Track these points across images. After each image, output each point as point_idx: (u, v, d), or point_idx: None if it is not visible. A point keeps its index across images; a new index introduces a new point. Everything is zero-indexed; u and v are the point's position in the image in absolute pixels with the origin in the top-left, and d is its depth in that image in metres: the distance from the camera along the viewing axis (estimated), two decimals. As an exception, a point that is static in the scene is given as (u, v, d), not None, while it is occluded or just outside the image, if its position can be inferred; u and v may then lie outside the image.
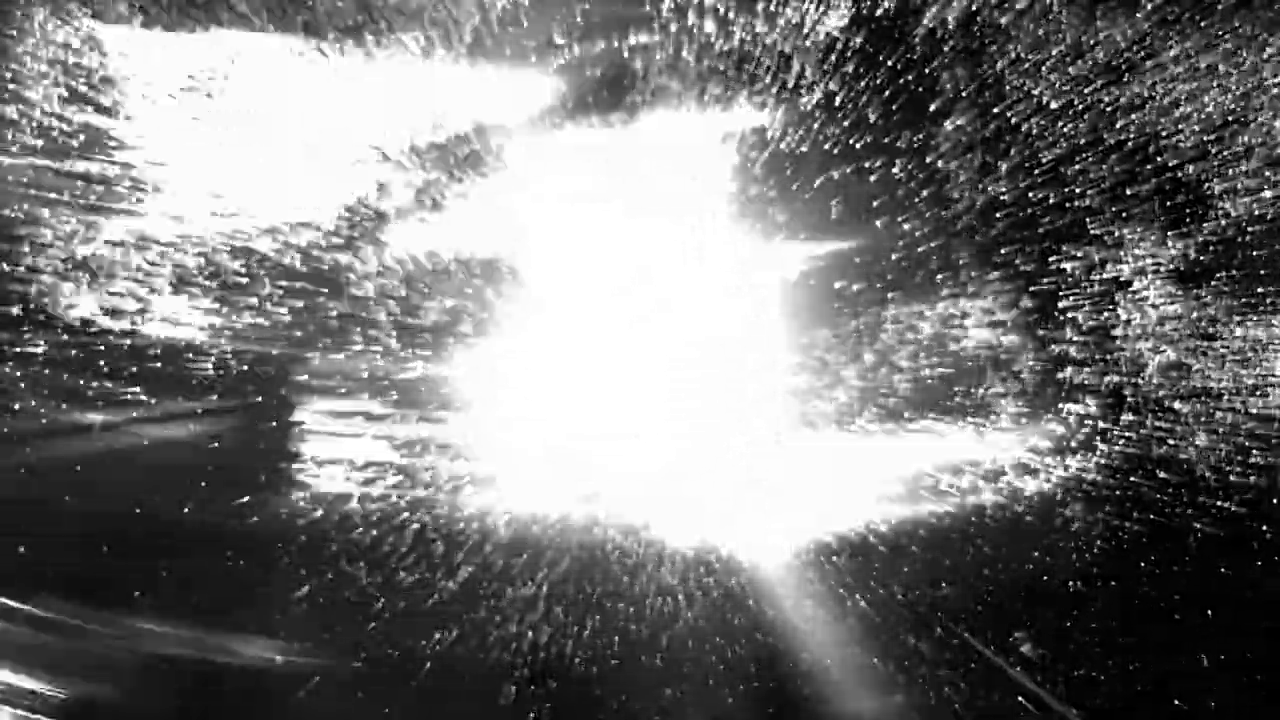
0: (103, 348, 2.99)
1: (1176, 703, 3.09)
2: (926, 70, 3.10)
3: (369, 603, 3.09)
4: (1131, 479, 3.17)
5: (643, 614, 3.17)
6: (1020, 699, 3.14)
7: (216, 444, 3.08)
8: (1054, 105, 3.06)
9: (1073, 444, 3.21)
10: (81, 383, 2.98)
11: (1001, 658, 3.17)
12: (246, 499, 3.07)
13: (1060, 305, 3.20)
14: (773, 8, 3.01)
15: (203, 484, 3.06)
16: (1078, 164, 3.11)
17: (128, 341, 2.99)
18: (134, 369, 3.01)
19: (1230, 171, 3.07)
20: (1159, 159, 3.08)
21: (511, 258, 3.20)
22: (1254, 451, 3.09)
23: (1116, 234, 3.14)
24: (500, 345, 3.21)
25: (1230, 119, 3.05)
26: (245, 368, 3.07)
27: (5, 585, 2.97)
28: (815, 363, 3.26)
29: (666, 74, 3.10)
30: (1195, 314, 3.15)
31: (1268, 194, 3.06)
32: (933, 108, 3.13)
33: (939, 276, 3.23)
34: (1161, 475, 3.15)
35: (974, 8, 3.03)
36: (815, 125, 3.13)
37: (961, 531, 3.24)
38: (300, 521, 3.08)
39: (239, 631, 3.07)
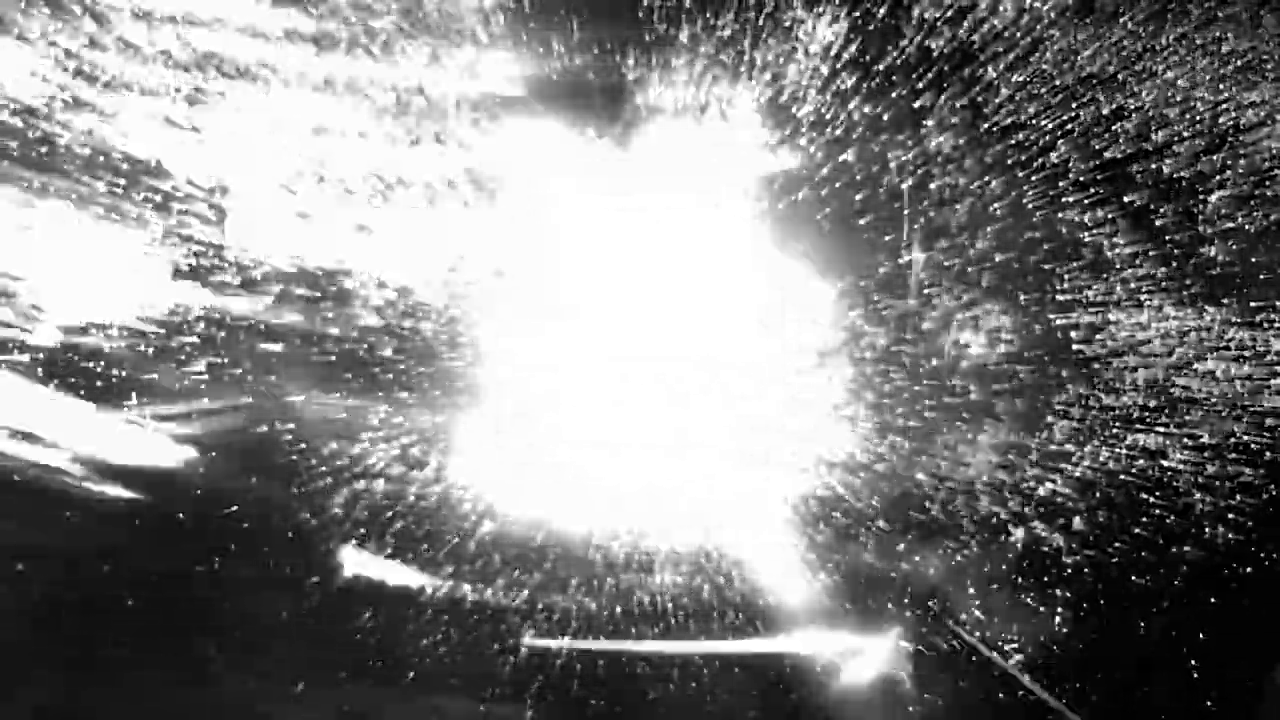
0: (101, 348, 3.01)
1: (1176, 704, 3.09)
2: (927, 80, 3.10)
3: (366, 604, 3.10)
4: (1130, 481, 3.17)
5: (639, 619, 3.18)
6: (1020, 700, 3.14)
7: (215, 445, 3.09)
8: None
9: (1073, 447, 3.21)
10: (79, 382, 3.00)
11: (1002, 658, 3.17)
12: (244, 499, 3.09)
13: (1058, 310, 3.20)
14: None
15: (201, 485, 3.07)
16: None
17: (124, 342, 3.00)
18: (133, 369, 3.02)
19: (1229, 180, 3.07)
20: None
21: (513, 265, 3.21)
22: (1250, 462, 3.10)
23: (1113, 241, 3.14)
24: (501, 351, 3.22)
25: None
26: (241, 372, 3.08)
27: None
28: (820, 372, 3.27)
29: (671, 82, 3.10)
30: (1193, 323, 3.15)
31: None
32: (937, 117, 3.13)
33: (942, 287, 3.23)
34: (1159, 479, 3.15)
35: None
36: (827, 138, 3.12)
37: (963, 536, 3.24)
38: (298, 522, 3.09)
39: (237, 632, 3.09)
